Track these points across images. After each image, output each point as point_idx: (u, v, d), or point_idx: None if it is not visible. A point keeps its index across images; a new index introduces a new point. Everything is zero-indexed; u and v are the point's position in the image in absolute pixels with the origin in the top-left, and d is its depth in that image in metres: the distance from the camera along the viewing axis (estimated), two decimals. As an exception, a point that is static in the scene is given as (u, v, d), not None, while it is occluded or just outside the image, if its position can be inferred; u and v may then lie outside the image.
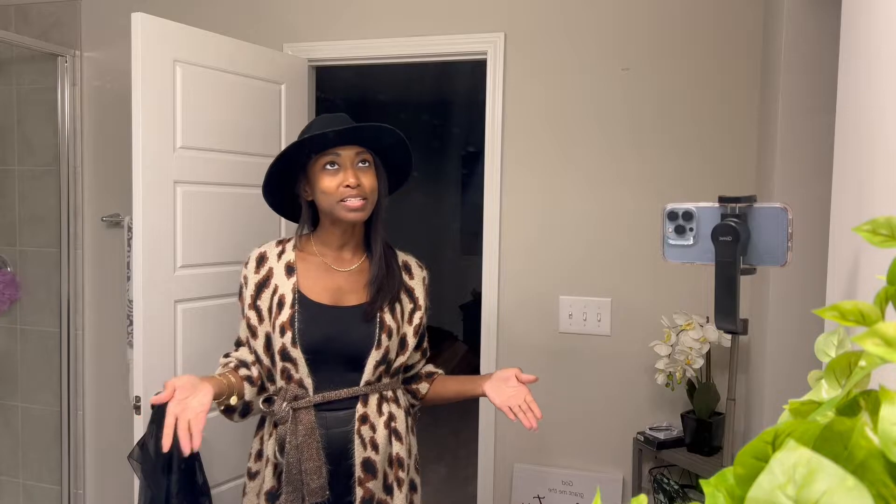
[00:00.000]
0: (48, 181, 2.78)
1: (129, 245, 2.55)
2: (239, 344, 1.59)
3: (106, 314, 2.77)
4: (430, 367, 1.72)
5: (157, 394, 1.34)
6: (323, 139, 1.46)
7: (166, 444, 1.26)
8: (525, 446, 2.40)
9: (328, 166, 1.46)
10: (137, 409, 1.95)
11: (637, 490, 2.19)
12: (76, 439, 2.81)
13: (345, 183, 1.44)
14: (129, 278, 2.56)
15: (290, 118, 2.40)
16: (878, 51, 0.76)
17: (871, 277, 0.73)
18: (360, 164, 1.48)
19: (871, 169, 0.76)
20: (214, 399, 1.38)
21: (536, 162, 2.36)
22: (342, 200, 1.45)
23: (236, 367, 1.54)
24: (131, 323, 2.41)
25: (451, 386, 1.67)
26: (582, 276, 2.34)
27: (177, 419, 1.27)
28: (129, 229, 2.56)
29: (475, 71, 3.56)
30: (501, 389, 1.51)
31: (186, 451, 1.27)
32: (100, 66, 2.73)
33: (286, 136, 2.38)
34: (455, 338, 5.56)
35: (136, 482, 1.93)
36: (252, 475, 1.57)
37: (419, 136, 5.97)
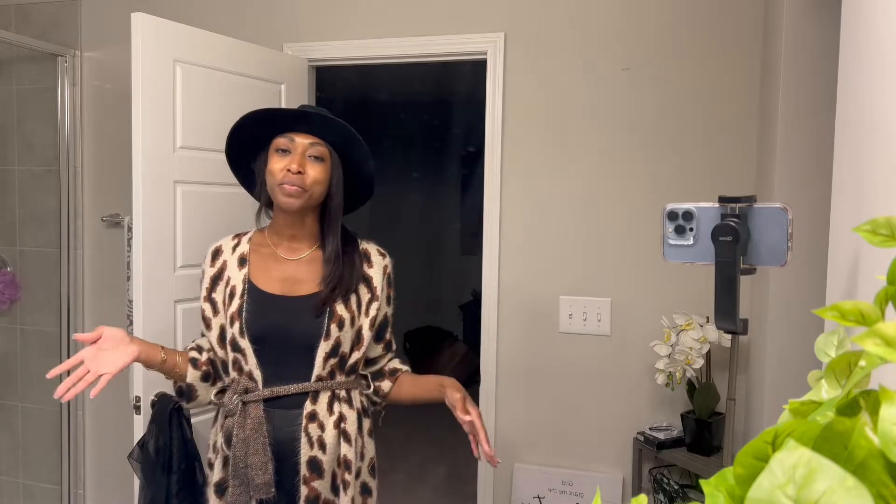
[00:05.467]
0: (48, 181, 2.78)
1: (129, 245, 2.55)
2: (203, 335, 1.61)
3: (106, 314, 2.77)
4: (394, 364, 1.66)
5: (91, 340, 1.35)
6: (274, 117, 1.48)
7: (62, 390, 1.25)
8: (525, 446, 2.41)
9: (281, 150, 1.48)
10: (137, 409, 1.95)
11: (637, 490, 2.19)
12: (76, 439, 2.81)
13: (288, 167, 1.44)
14: (129, 278, 2.56)
15: (290, 118, 2.40)
16: (877, 51, 0.76)
17: (871, 277, 0.73)
18: (312, 156, 1.47)
19: (871, 169, 0.76)
20: (145, 363, 1.42)
21: (536, 162, 2.36)
22: (281, 184, 1.45)
23: (190, 350, 1.55)
24: (131, 323, 2.41)
25: (407, 389, 1.63)
26: (582, 276, 2.34)
27: (83, 364, 1.29)
28: (129, 229, 2.56)
29: (475, 71, 3.56)
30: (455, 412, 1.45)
31: (64, 393, 1.25)
32: (100, 66, 2.73)
33: (286, 136, 2.38)
34: (455, 338, 5.56)
35: (136, 482, 1.93)
36: (211, 466, 1.58)
37: (419, 136, 5.97)
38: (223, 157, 2.18)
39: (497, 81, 2.37)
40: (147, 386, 1.96)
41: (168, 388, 2.01)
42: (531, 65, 2.35)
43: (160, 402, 1.95)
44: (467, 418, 1.41)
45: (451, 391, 1.47)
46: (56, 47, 2.69)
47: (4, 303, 2.82)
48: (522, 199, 2.38)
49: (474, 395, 2.46)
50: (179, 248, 2.05)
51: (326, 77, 2.85)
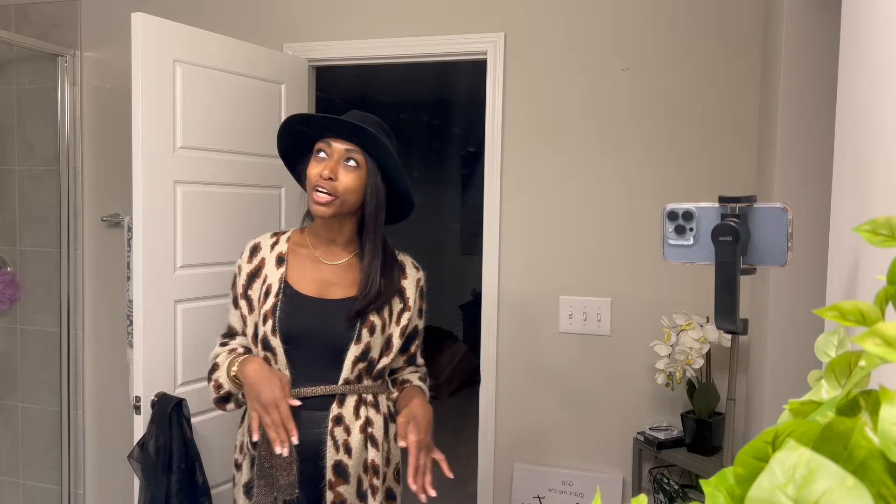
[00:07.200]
0: (48, 181, 2.78)
1: (129, 245, 2.55)
2: (232, 333, 1.58)
3: (106, 314, 2.77)
4: (407, 376, 1.66)
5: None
6: (309, 122, 1.48)
7: (281, 445, 1.36)
8: (525, 446, 2.41)
9: (319, 153, 1.47)
10: (137, 409, 1.95)
11: (637, 490, 2.19)
12: (76, 439, 2.81)
13: (321, 173, 1.43)
14: (129, 278, 2.56)
15: (290, 118, 2.40)
16: (878, 51, 0.76)
17: (871, 277, 0.73)
18: (348, 162, 1.46)
19: (871, 169, 0.76)
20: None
21: (536, 162, 2.36)
22: (314, 189, 1.44)
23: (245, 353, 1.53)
24: (131, 323, 2.41)
25: (400, 403, 1.60)
26: (582, 276, 2.34)
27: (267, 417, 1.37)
28: (129, 229, 2.56)
29: (475, 71, 3.56)
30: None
31: (282, 444, 1.35)
32: (100, 66, 2.73)
33: (286, 136, 2.38)
34: (455, 338, 5.56)
35: (136, 482, 1.93)
36: (238, 466, 1.58)
37: (419, 136, 5.97)
38: (223, 156, 2.19)
39: (497, 81, 2.37)
40: (147, 386, 1.96)
41: (168, 388, 2.01)
42: (531, 65, 2.35)
43: (160, 402, 1.95)
44: (402, 444, 1.37)
45: (399, 417, 1.43)
46: (56, 47, 2.69)
47: (4, 303, 2.82)
48: (522, 198, 2.38)
49: (474, 395, 2.47)
50: (179, 248, 2.05)
51: (326, 77, 2.85)
